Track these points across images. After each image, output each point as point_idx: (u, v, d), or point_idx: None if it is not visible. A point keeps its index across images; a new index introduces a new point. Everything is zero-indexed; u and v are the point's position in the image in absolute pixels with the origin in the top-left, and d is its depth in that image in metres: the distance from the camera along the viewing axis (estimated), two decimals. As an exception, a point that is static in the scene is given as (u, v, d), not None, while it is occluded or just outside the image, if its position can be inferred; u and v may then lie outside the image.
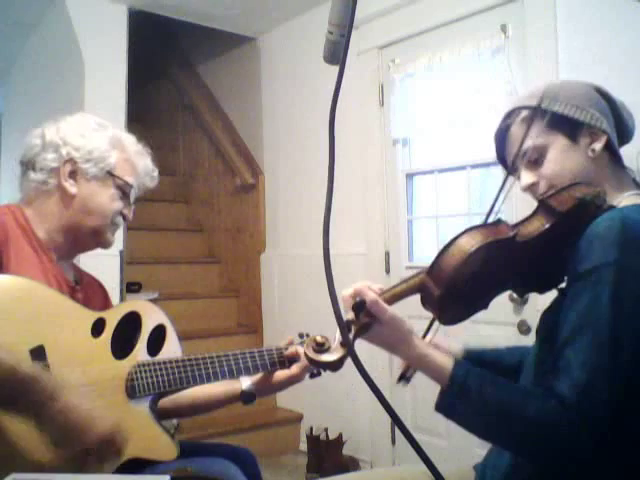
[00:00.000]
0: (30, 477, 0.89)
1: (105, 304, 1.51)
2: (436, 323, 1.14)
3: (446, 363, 1.00)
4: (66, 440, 1.07)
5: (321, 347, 0.95)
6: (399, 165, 3.05)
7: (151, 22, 3.75)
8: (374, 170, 3.11)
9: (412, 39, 2.94)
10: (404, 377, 1.15)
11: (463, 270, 0.97)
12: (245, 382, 1.50)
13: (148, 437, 1.31)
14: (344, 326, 0.90)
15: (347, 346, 0.92)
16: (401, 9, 2.95)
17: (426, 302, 1.02)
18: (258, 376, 1.49)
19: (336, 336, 0.95)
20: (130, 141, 1.48)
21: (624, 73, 2.15)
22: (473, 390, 0.98)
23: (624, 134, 1.19)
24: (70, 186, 1.38)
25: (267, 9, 3.53)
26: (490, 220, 1.07)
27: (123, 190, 1.44)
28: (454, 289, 0.98)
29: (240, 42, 4.03)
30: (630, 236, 0.96)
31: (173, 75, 4.73)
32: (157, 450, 1.31)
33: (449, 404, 1.00)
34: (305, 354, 0.95)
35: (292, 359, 1.46)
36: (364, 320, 0.98)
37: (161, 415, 1.37)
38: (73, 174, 1.39)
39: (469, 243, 0.98)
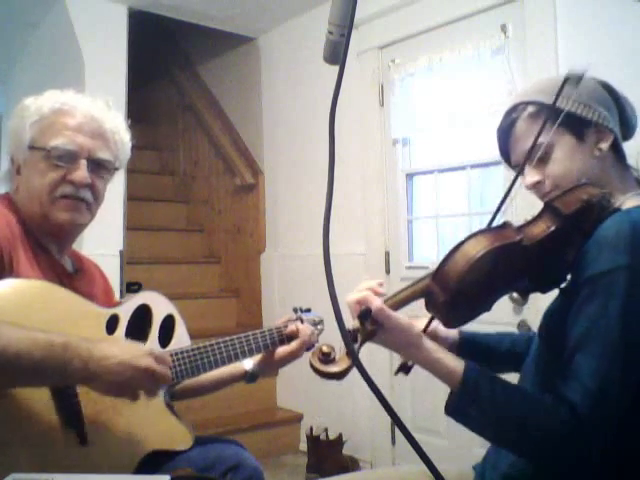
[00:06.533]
0: (30, 477, 0.90)
1: (105, 288, 1.50)
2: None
3: (457, 366, 0.99)
4: (121, 389, 1.11)
5: (327, 357, 0.96)
6: (399, 165, 3.05)
7: (151, 22, 3.75)
8: (374, 170, 3.11)
9: (412, 39, 2.94)
10: (404, 368, 1.15)
11: (469, 276, 0.96)
12: (248, 363, 1.54)
13: (166, 428, 1.35)
14: (346, 334, 0.89)
15: (352, 356, 0.92)
16: (401, 9, 2.96)
17: (431, 306, 1.02)
18: (260, 356, 1.53)
19: (342, 345, 0.95)
20: (49, 104, 1.32)
21: (624, 73, 2.14)
22: (484, 394, 0.97)
23: (627, 130, 1.18)
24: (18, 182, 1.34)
25: (267, 9, 3.53)
26: (497, 218, 1.06)
27: (53, 157, 1.28)
28: (460, 294, 0.98)
29: (240, 42, 4.03)
30: None
31: (173, 75, 4.73)
32: (175, 440, 1.36)
33: (459, 407, 0.99)
34: (311, 364, 0.96)
35: (291, 337, 1.53)
36: (370, 328, 0.98)
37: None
38: (19, 169, 1.33)
39: (475, 248, 0.97)
